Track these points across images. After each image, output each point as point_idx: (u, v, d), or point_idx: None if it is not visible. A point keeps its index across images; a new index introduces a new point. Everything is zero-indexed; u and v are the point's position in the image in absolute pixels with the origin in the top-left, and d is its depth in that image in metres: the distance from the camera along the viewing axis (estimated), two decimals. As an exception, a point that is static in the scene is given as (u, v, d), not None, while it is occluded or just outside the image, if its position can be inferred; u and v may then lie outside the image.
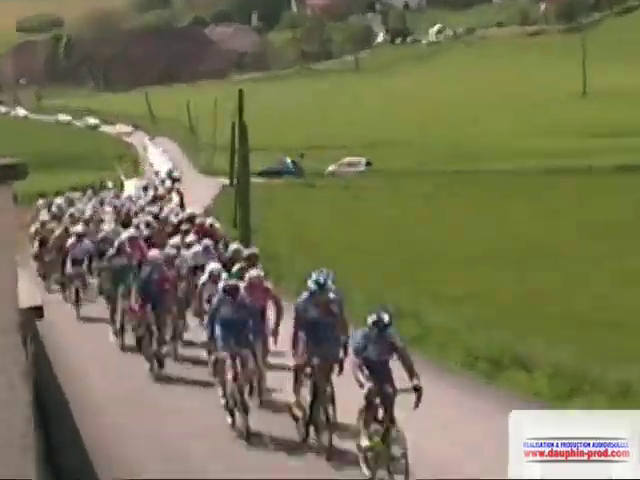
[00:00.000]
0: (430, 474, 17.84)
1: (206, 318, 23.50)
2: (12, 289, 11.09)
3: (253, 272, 22.90)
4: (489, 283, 45.85)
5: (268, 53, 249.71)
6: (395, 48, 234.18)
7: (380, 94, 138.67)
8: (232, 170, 74.97)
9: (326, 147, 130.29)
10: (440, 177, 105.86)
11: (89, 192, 69.31)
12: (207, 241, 31.88)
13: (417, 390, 16.60)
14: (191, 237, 34.23)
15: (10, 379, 11.00)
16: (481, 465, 17.90)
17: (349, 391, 18.10)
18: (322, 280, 18.79)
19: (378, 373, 17.31)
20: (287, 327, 21.52)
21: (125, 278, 29.07)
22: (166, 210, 49.47)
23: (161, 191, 67.34)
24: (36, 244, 43.44)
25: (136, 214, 47.74)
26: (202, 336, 25.12)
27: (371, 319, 17.13)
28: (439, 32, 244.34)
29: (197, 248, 31.38)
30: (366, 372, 17.20)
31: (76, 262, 35.32)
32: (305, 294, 19.42)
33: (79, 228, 37.84)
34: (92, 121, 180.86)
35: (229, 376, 19.69)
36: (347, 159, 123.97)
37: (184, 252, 31.55)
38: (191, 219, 41.68)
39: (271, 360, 24.05)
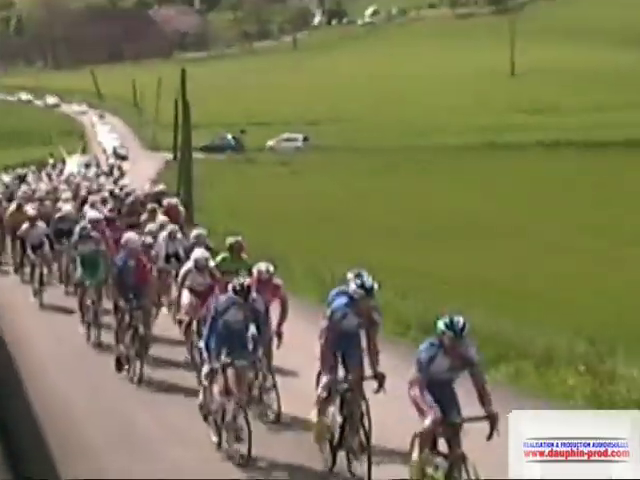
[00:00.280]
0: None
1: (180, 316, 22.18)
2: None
3: (262, 266, 19.36)
4: (420, 254, 46.00)
5: (210, 33, 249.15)
6: (331, 29, 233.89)
7: (317, 73, 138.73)
8: (175, 146, 75.03)
9: (267, 124, 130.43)
10: (378, 153, 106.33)
11: (33, 168, 68.53)
12: (173, 226, 29.06)
13: (491, 419, 13.11)
14: (161, 219, 31.82)
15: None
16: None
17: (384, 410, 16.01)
18: (369, 284, 15.13)
19: (443, 395, 13.60)
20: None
21: (94, 265, 26.38)
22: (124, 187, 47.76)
23: (104, 168, 66.26)
24: None
25: (89, 192, 44.92)
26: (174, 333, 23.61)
27: (443, 323, 13.48)
28: (373, 14, 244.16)
29: (172, 227, 28.71)
30: (428, 395, 13.51)
31: (35, 247, 32.24)
32: (342, 300, 15.63)
33: (32, 212, 35.23)
34: (52, 100, 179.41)
35: (215, 390, 16.75)
36: (285, 135, 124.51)
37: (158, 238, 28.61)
38: (158, 198, 39.39)
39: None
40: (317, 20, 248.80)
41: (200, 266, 21.23)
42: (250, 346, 17.37)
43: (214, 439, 17.11)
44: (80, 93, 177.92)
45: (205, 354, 16.87)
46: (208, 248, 24.09)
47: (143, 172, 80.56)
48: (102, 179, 56.07)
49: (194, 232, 26.02)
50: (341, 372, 16.16)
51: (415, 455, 13.77)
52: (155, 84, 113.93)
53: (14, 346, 25.67)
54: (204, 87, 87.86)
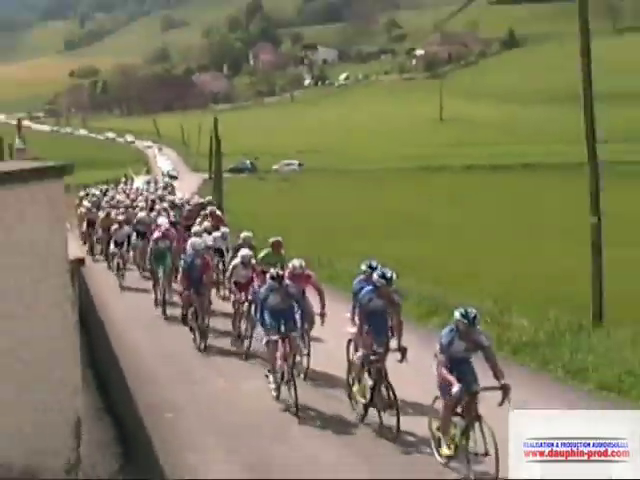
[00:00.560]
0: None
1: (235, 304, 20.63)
2: (63, 247, 10.99)
3: (296, 262, 17.92)
4: (379, 242, 45.89)
5: (233, 92, 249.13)
6: (317, 89, 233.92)
7: (307, 119, 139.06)
8: (210, 168, 74.93)
9: (273, 153, 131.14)
10: (348, 173, 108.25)
11: (112, 185, 67.77)
12: (224, 228, 27.87)
13: (504, 389, 11.92)
14: (207, 223, 29.43)
15: (63, 307, 10.89)
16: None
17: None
18: (389, 275, 14.37)
19: (463, 370, 12.67)
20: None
21: (165, 258, 25.22)
22: (181, 198, 45.76)
23: (160, 184, 65.64)
24: (84, 225, 39.81)
25: (154, 202, 42.39)
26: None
27: (459, 313, 12.57)
28: (346, 78, 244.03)
29: (217, 234, 26.85)
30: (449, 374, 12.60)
31: (117, 244, 31.25)
32: (367, 287, 14.85)
33: (120, 217, 34.01)
34: (130, 138, 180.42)
35: (278, 355, 15.47)
36: (285, 161, 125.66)
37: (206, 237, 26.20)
38: (204, 206, 36.73)
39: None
40: (307, 82, 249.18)
41: (245, 262, 19.81)
42: (296, 321, 16.28)
43: (274, 394, 15.85)
44: (145, 133, 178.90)
45: (262, 330, 16.04)
46: (251, 247, 22.36)
47: (188, 186, 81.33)
48: (160, 192, 54.32)
49: (242, 234, 23.56)
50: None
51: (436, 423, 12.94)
52: (196, 127, 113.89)
53: (102, 310, 25.47)
54: (230, 129, 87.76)
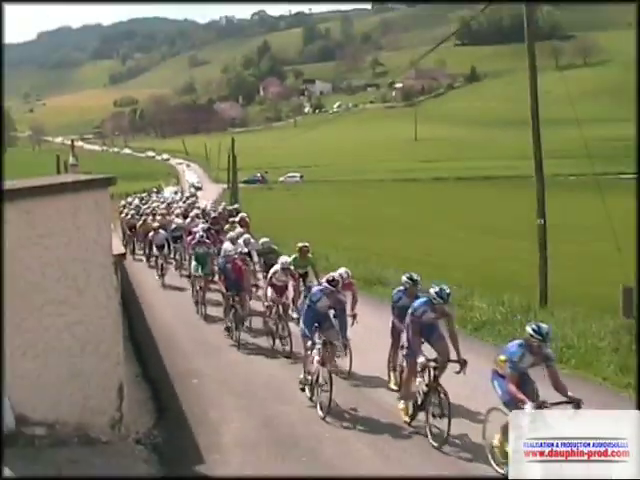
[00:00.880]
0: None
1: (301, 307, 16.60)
2: (109, 244, 11.00)
3: (343, 272, 15.85)
4: (364, 239, 45.86)
5: (247, 118, 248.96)
6: (315, 115, 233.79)
7: (307, 140, 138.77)
8: (228, 180, 74.86)
9: (279, 167, 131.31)
10: (340, 183, 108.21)
11: (146, 195, 67.08)
12: (247, 235, 24.31)
13: (575, 402, 9.51)
14: (239, 229, 26.61)
15: (108, 292, 10.90)
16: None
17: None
18: (447, 292, 11.89)
19: (526, 387, 10.28)
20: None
21: (204, 261, 22.80)
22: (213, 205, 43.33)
23: (187, 194, 64.82)
24: (127, 230, 37.87)
25: (187, 209, 39.67)
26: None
27: (531, 329, 10.06)
28: (339, 106, 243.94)
29: (240, 240, 23.35)
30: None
31: (157, 247, 29.00)
32: (423, 300, 12.33)
33: (156, 224, 31.16)
34: (165, 156, 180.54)
35: (317, 359, 13.25)
36: (290, 174, 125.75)
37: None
38: (231, 212, 34.69)
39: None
40: (307, 110, 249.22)
41: (284, 267, 17.72)
42: (335, 325, 14.03)
43: (308, 394, 13.73)
44: (175, 151, 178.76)
45: (306, 331, 13.62)
46: (272, 251, 21.03)
47: (210, 194, 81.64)
48: (191, 200, 52.70)
49: (261, 240, 22.09)
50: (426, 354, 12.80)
51: (498, 436, 10.30)
52: (217, 146, 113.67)
53: (144, 301, 25.04)
54: (244, 148, 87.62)
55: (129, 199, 51.99)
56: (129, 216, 38.66)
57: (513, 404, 9.84)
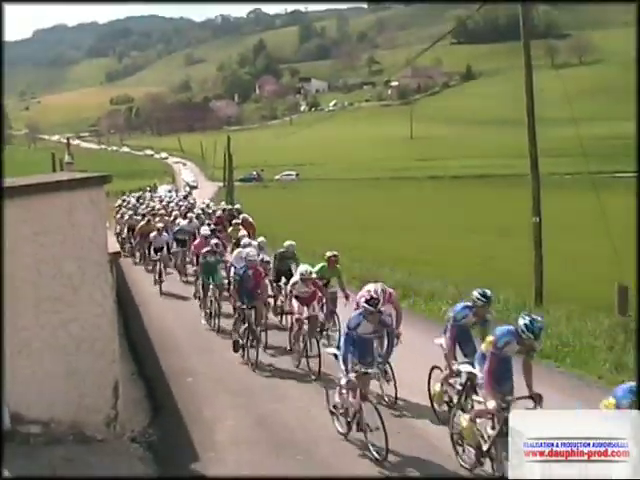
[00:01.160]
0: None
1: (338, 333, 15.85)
2: (104, 242, 11.00)
3: (379, 286, 13.42)
4: (359, 237, 45.85)
5: (243, 116, 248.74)
6: (311, 113, 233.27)
7: (303, 138, 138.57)
8: (224, 178, 74.82)
9: (275, 166, 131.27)
10: (335, 182, 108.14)
11: (141, 193, 66.23)
12: (261, 237, 22.75)
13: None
14: (243, 232, 25.82)
15: (103, 290, 10.90)
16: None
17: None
18: (537, 329, 9.74)
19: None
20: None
21: (215, 271, 20.91)
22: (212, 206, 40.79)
23: (182, 194, 63.96)
24: (125, 231, 36.15)
25: (188, 210, 37.90)
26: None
27: (523, 323, 9.65)
28: (334, 105, 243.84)
29: (253, 245, 21.28)
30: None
31: (157, 250, 26.98)
32: (505, 329, 10.06)
33: (159, 225, 28.98)
34: (164, 154, 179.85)
35: (356, 395, 11.22)
36: (285, 172, 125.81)
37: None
38: (234, 214, 33.10)
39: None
40: (303, 108, 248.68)
41: (304, 277, 15.96)
42: (377, 353, 12.25)
43: (341, 430, 11.79)
44: (171, 150, 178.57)
45: (342, 366, 11.35)
46: (294, 257, 19.55)
47: (206, 192, 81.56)
48: (188, 200, 50.12)
49: (285, 243, 19.85)
50: (460, 357, 11.98)
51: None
52: (213, 144, 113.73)
53: (140, 301, 24.77)
54: (240, 146, 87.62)
55: (125, 198, 51.27)
56: (127, 216, 36.98)
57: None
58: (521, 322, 9.84)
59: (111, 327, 11.14)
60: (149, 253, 28.33)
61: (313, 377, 14.99)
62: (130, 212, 38.15)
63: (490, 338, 10.24)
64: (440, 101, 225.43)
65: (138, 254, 33.11)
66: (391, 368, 13.15)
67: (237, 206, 36.09)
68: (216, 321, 19.97)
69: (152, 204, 43.33)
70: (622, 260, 18.52)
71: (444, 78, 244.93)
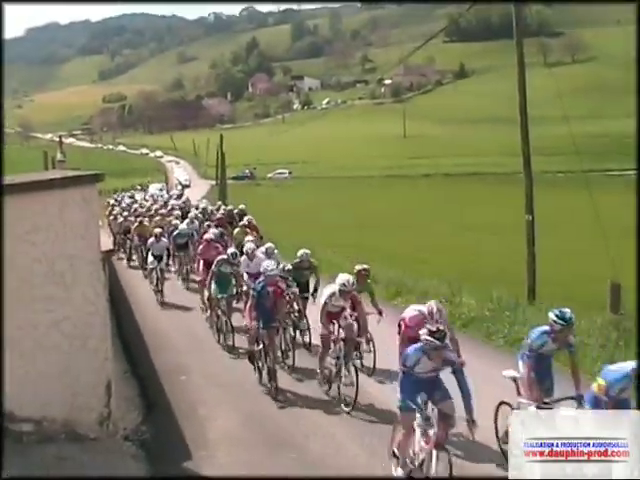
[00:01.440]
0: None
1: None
2: (96, 240, 10.99)
3: (434, 304, 11.87)
4: (353, 235, 45.87)
5: (235, 114, 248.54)
6: (304, 111, 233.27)
7: (296, 136, 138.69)
8: (217, 176, 74.73)
9: (268, 164, 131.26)
10: (327, 180, 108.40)
11: (133, 192, 65.79)
12: (269, 243, 20.50)
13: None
14: (249, 236, 23.72)
15: (96, 288, 10.88)
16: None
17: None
18: (569, 315, 9.81)
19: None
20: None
21: (227, 282, 18.47)
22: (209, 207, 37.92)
23: (173, 192, 63.32)
24: (120, 233, 33.42)
25: (187, 211, 34.81)
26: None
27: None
28: (327, 103, 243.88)
29: (270, 245, 19.96)
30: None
31: (155, 257, 24.35)
32: (539, 329, 10.07)
33: (157, 230, 25.58)
34: (159, 153, 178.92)
35: (432, 438, 9.38)
36: (278, 170, 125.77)
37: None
38: (234, 215, 31.12)
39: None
40: (295, 106, 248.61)
41: (346, 289, 13.42)
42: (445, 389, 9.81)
43: (398, 473, 9.94)
44: (164, 148, 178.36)
45: (410, 405, 9.50)
46: (311, 266, 17.87)
47: (199, 190, 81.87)
48: (184, 199, 47.56)
49: (300, 251, 17.92)
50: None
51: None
52: (205, 142, 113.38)
53: (135, 305, 24.13)
54: (232, 144, 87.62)
55: (117, 197, 50.62)
56: (122, 218, 34.74)
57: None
58: (551, 315, 9.89)
59: (104, 325, 11.12)
60: (146, 258, 25.76)
61: (346, 408, 12.90)
62: (125, 213, 36.51)
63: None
64: (433, 99, 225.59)
65: (135, 257, 30.92)
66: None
67: (241, 206, 33.06)
68: (225, 338, 17.74)
69: (146, 204, 41.91)
70: (615, 258, 18.56)
71: (437, 76, 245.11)
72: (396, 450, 10.02)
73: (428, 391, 9.74)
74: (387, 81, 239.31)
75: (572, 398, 9.77)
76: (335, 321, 13.94)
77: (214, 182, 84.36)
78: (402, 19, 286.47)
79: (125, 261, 31.64)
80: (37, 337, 10.49)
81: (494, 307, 19.51)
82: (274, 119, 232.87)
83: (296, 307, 17.00)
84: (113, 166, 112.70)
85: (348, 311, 14.04)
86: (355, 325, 14.06)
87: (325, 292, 14.00)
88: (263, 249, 19.86)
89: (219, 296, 18.36)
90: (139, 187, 75.90)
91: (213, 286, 18.55)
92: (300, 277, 17.67)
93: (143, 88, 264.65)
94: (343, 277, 13.73)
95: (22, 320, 10.38)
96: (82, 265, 10.74)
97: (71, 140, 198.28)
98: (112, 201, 45.95)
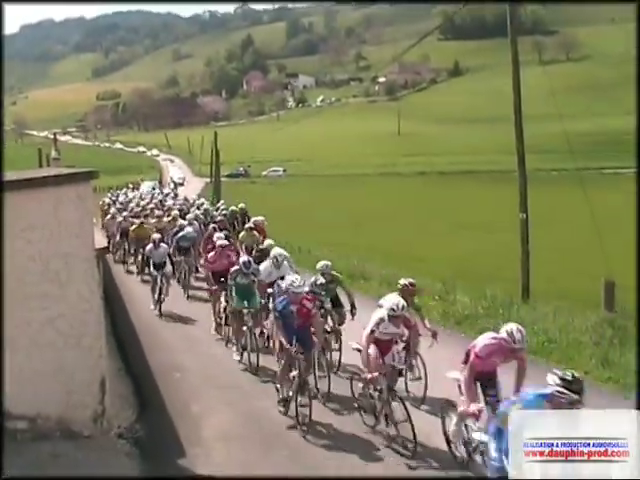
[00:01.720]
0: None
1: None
2: (91, 237, 10.97)
3: (514, 329, 9.98)
4: (348, 233, 45.86)
5: (230, 112, 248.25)
6: (298, 109, 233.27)
7: (290, 134, 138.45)
8: (211, 174, 74.63)
9: (262, 162, 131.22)
10: (321, 178, 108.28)
11: (129, 189, 64.93)
12: (279, 249, 17.82)
13: None
14: (269, 241, 20.14)
15: (90, 286, 10.87)
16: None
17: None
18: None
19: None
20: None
21: (250, 293, 15.96)
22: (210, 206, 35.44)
23: (166, 191, 62.20)
24: (118, 236, 31.04)
25: (187, 211, 32.66)
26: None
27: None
28: (322, 100, 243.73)
29: (280, 252, 17.32)
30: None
31: (156, 266, 21.63)
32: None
33: (156, 236, 22.62)
34: (155, 151, 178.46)
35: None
36: (272, 168, 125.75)
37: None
38: (237, 216, 29.01)
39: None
40: (290, 104, 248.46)
41: (396, 314, 11.28)
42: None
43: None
44: (159, 146, 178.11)
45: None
46: (333, 279, 15.47)
47: (194, 188, 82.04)
48: (163, 196, 45.60)
49: (319, 264, 15.54)
50: None
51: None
52: (200, 140, 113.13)
53: (129, 304, 23.38)
54: (227, 142, 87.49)
55: (112, 197, 49.19)
56: (121, 218, 32.28)
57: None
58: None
59: (98, 323, 11.11)
60: (147, 265, 22.82)
61: (401, 448, 11.05)
62: (125, 213, 33.86)
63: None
64: (427, 97, 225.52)
65: (135, 263, 28.81)
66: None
67: (241, 205, 30.72)
68: (251, 358, 15.40)
69: (143, 202, 40.26)
70: (609, 256, 18.58)
71: (431, 74, 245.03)
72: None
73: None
74: (381, 79, 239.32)
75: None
76: (385, 351, 11.61)
77: (208, 180, 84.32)
78: (397, 17, 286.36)
79: (122, 265, 30.05)
80: (32, 334, 10.48)
81: (488, 305, 19.53)
82: (269, 117, 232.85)
83: (329, 325, 14.89)
84: (108, 163, 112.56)
85: (400, 346, 12.01)
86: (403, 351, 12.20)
87: (372, 319, 11.60)
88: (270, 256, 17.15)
89: (244, 310, 15.96)
90: (131, 185, 75.03)
91: (234, 297, 16.17)
92: (327, 293, 15.10)
93: (137, 85, 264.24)
94: (391, 300, 11.62)
95: (17, 317, 10.37)
96: (77, 263, 10.73)
97: (66, 138, 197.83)
98: (107, 199, 45.05)
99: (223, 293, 17.39)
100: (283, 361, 12.56)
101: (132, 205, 39.21)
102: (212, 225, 25.13)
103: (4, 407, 10.09)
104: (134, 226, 28.82)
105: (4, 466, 9.02)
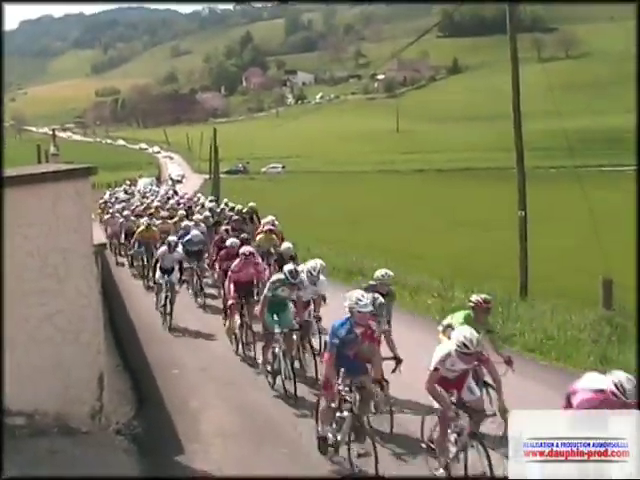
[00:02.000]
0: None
1: None
2: (89, 233, 10.96)
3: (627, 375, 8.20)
4: (346, 231, 45.80)
5: (229, 108, 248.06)
6: (297, 106, 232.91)
7: (289, 131, 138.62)
8: (210, 170, 74.57)
9: (261, 158, 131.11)
10: (320, 174, 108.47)
11: (125, 186, 64.56)
12: (320, 261, 15.16)
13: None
14: (287, 243, 19.38)
15: (88, 282, 10.86)
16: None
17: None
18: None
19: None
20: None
21: (285, 312, 13.87)
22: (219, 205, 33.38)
23: (165, 188, 61.93)
24: (123, 236, 29.45)
25: (191, 211, 31.41)
26: None
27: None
28: (321, 97, 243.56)
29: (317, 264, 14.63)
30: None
31: (164, 271, 19.65)
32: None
33: (171, 238, 20.77)
34: (156, 148, 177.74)
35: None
36: (272, 164, 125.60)
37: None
38: (247, 215, 27.87)
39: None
40: (289, 101, 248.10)
41: (469, 352, 9.14)
42: None
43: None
44: (158, 142, 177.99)
45: None
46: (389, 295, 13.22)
47: (193, 184, 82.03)
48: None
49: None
50: None
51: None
52: (199, 136, 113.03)
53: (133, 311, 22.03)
54: (226, 138, 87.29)
55: (111, 196, 48.43)
56: (123, 218, 30.91)
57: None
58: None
59: (96, 319, 11.10)
60: (154, 270, 20.73)
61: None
62: (126, 212, 32.36)
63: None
64: (426, 94, 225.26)
65: (140, 268, 26.64)
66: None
67: (251, 204, 29.19)
68: (290, 387, 13.28)
69: (146, 201, 38.81)
70: (607, 253, 18.58)
71: (430, 71, 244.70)
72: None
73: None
74: (380, 76, 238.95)
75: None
76: (451, 390, 9.69)
77: (207, 176, 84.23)
78: (396, 14, 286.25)
79: (128, 267, 28.45)
80: (30, 330, 10.47)
81: (487, 302, 19.50)
82: (268, 113, 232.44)
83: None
84: (106, 159, 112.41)
85: (472, 382, 9.96)
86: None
87: (436, 353, 9.60)
88: (305, 270, 14.72)
89: (277, 330, 13.79)
90: (128, 182, 74.51)
91: (267, 316, 13.92)
92: (382, 309, 12.20)
93: (136, 82, 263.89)
94: (462, 332, 9.36)
95: (15, 313, 10.36)
96: (75, 258, 10.72)
97: (65, 134, 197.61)
98: (106, 197, 44.64)
99: (239, 307, 15.84)
100: (327, 399, 10.34)
101: (136, 203, 38.09)
102: (224, 227, 23.44)
103: (3, 403, 10.07)
104: (141, 227, 26.37)
105: (4, 466, 8.99)
